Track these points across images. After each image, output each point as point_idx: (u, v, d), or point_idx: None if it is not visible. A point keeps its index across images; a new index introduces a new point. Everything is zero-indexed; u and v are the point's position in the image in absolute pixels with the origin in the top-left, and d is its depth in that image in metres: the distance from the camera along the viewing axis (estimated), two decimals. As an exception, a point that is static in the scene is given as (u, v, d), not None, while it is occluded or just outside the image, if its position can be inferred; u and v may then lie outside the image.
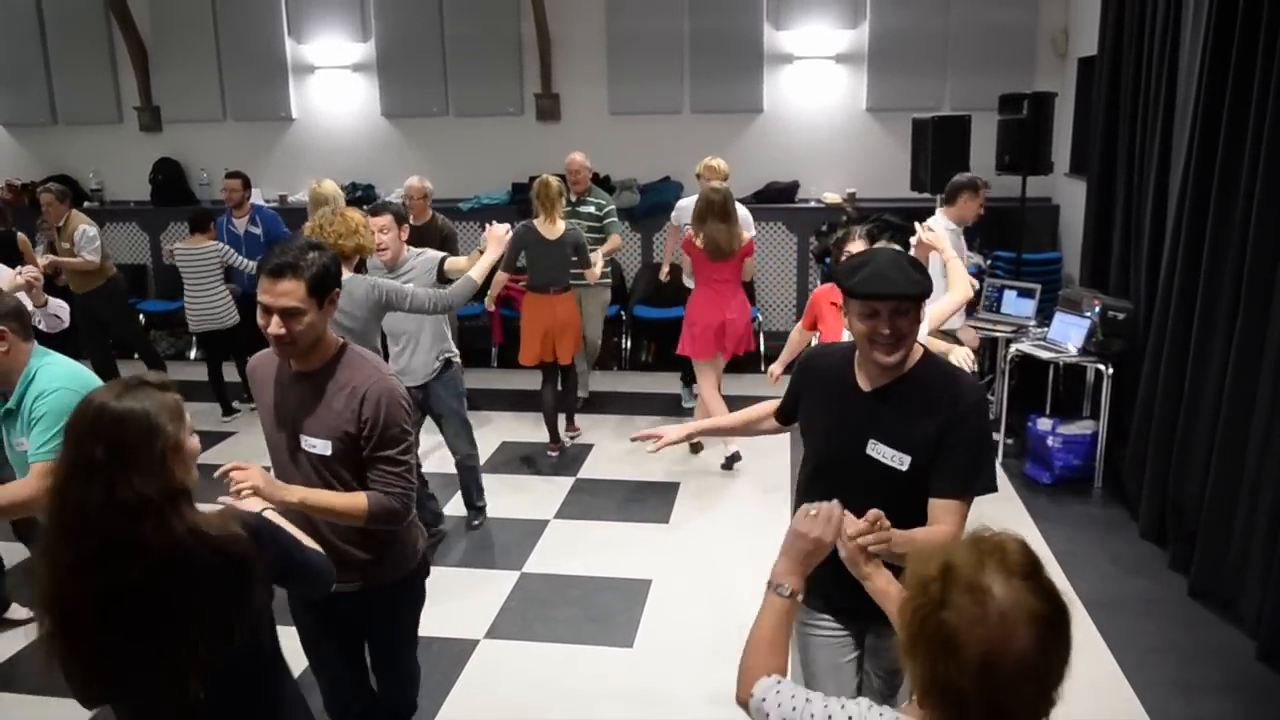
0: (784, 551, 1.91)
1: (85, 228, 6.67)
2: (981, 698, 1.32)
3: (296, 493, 2.41)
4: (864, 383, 2.38)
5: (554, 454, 6.20)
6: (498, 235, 4.48)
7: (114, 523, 1.74)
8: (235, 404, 7.08)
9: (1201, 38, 4.52)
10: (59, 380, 2.82)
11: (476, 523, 5.25)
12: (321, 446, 2.51)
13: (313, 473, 2.55)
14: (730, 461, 5.87)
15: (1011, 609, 1.31)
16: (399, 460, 2.55)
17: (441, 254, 4.75)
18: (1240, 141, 4.16)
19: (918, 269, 2.29)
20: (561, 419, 6.36)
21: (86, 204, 9.13)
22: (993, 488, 2.33)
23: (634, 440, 2.89)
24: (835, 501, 1.94)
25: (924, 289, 2.26)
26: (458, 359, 4.91)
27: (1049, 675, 1.34)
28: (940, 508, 2.28)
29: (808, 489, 2.46)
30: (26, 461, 2.80)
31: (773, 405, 2.79)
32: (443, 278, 4.64)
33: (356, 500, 2.51)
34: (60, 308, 4.59)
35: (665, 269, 6.99)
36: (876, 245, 3.22)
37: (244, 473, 2.28)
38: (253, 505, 2.18)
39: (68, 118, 9.19)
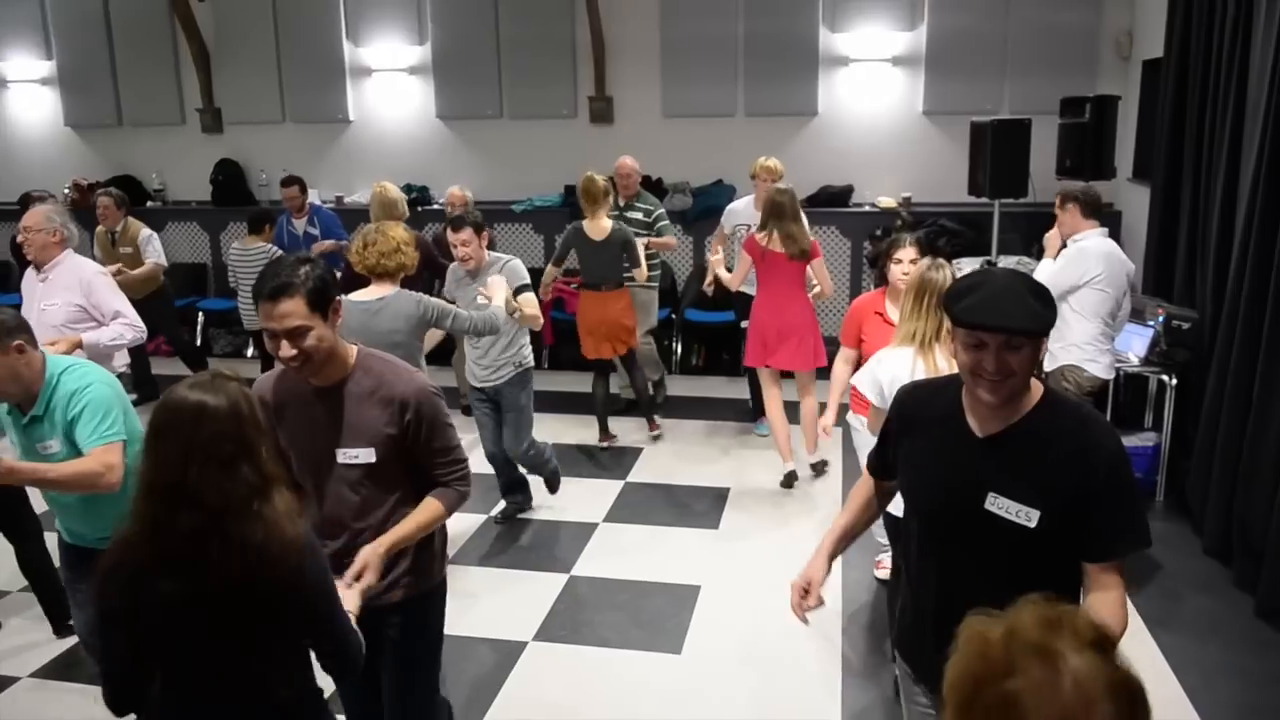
0: None
1: (148, 232, 6.76)
2: None
3: (385, 543, 2.46)
4: (977, 426, 2.07)
5: (603, 445, 6.31)
6: (498, 285, 4.49)
7: (246, 506, 1.86)
8: None
9: (1275, 37, 4.39)
10: (89, 377, 3.03)
11: (512, 514, 5.35)
12: (365, 455, 2.50)
13: (350, 486, 2.54)
14: (790, 479, 5.69)
15: (1088, 679, 1.15)
16: (451, 447, 2.61)
17: (524, 280, 4.85)
18: (1315, 147, 4.03)
19: (1041, 298, 1.97)
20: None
21: (149, 204, 9.35)
22: (1149, 539, 2.05)
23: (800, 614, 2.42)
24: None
25: (1043, 323, 1.96)
26: (531, 364, 5.09)
27: None
28: (1099, 572, 2.02)
29: (919, 553, 2.21)
30: (48, 460, 2.99)
31: (867, 481, 2.45)
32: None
33: (433, 510, 2.58)
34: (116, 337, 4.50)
35: (710, 278, 6.33)
36: (994, 265, 3.00)
37: (364, 572, 2.38)
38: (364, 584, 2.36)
39: (132, 119, 9.40)
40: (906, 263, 3.98)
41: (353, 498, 2.54)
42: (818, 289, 5.69)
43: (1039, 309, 1.96)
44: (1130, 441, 5.49)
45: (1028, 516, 1.99)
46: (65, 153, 9.61)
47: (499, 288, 4.41)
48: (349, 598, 2.27)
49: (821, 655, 4.00)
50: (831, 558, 2.40)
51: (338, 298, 2.46)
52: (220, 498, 1.83)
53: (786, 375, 5.78)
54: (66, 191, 9.05)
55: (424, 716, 2.81)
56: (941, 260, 3.52)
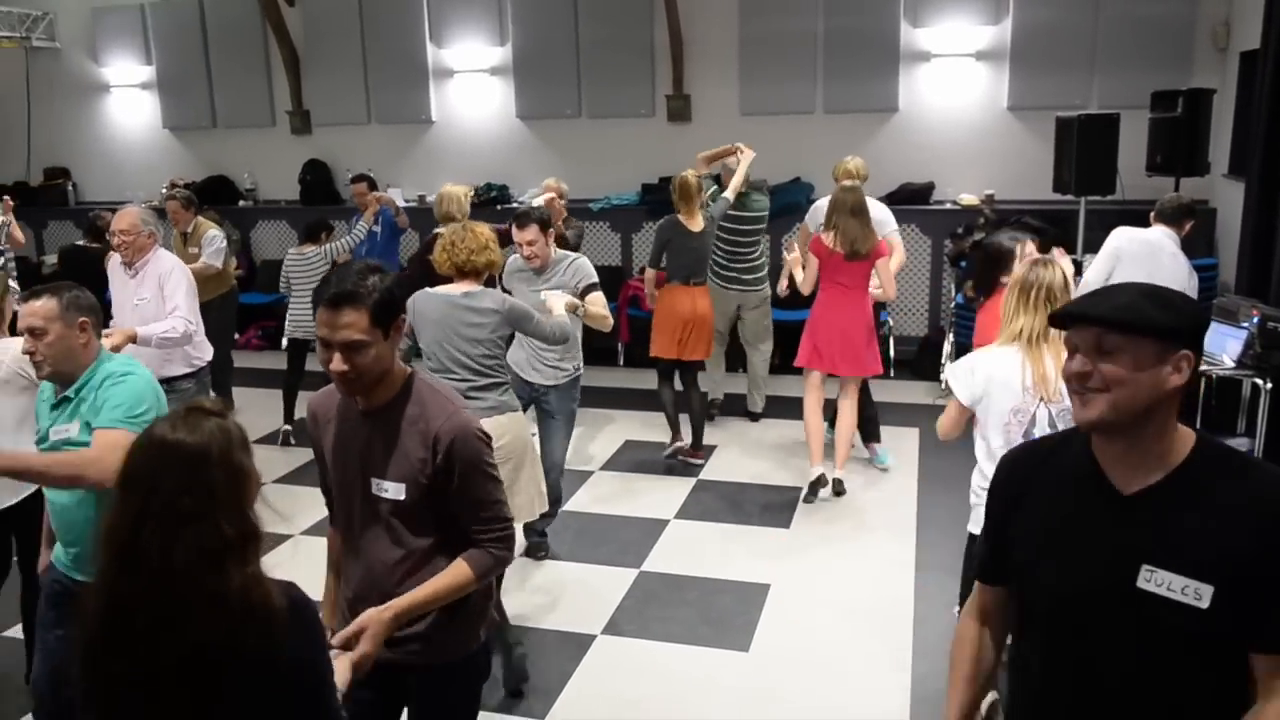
0: None
1: (214, 233, 6.65)
2: None
3: (396, 607, 2.17)
4: (1122, 482, 1.67)
5: (680, 451, 6.07)
6: (559, 299, 4.35)
7: (203, 574, 1.58)
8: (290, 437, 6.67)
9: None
10: (129, 366, 2.95)
11: (542, 554, 4.91)
12: (394, 490, 2.24)
13: (382, 521, 2.28)
14: (816, 487, 5.45)
15: None
16: (489, 502, 2.28)
17: (592, 279, 4.75)
18: None
19: (1158, 299, 1.63)
20: (685, 431, 6.13)
21: (241, 203, 9.68)
22: None
23: None
24: None
25: (1133, 315, 1.60)
26: (582, 371, 4.92)
27: None
28: (1269, 666, 1.58)
29: (1045, 649, 1.77)
30: (53, 447, 2.85)
31: (973, 615, 1.95)
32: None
33: (459, 575, 2.25)
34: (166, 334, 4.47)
35: (784, 282, 6.17)
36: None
37: (359, 637, 2.10)
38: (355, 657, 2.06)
39: (226, 121, 9.74)
40: (1036, 251, 3.72)
41: (383, 534, 2.29)
42: (880, 290, 5.59)
43: (1146, 305, 1.61)
44: (1222, 447, 5.30)
45: (1197, 593, 1.57)
46: (164, 154, 10.01)
47: (557, 301, 4.29)
48: (338, 669, 1.97)
49: (893, 660, 3.96)
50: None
51: (402, 316, 2.24)
52: (164, 561, 1.56)
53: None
54: (164, 192, 9.39)
55: None
56: (1052, 256, 3.39)
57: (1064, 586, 1.71)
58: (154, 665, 1.57)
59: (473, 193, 7.85)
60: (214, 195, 9.47)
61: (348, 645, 2.08)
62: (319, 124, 9.48)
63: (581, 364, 4.91)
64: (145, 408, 2.82)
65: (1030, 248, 3.72)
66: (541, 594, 4.56)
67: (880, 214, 5.88)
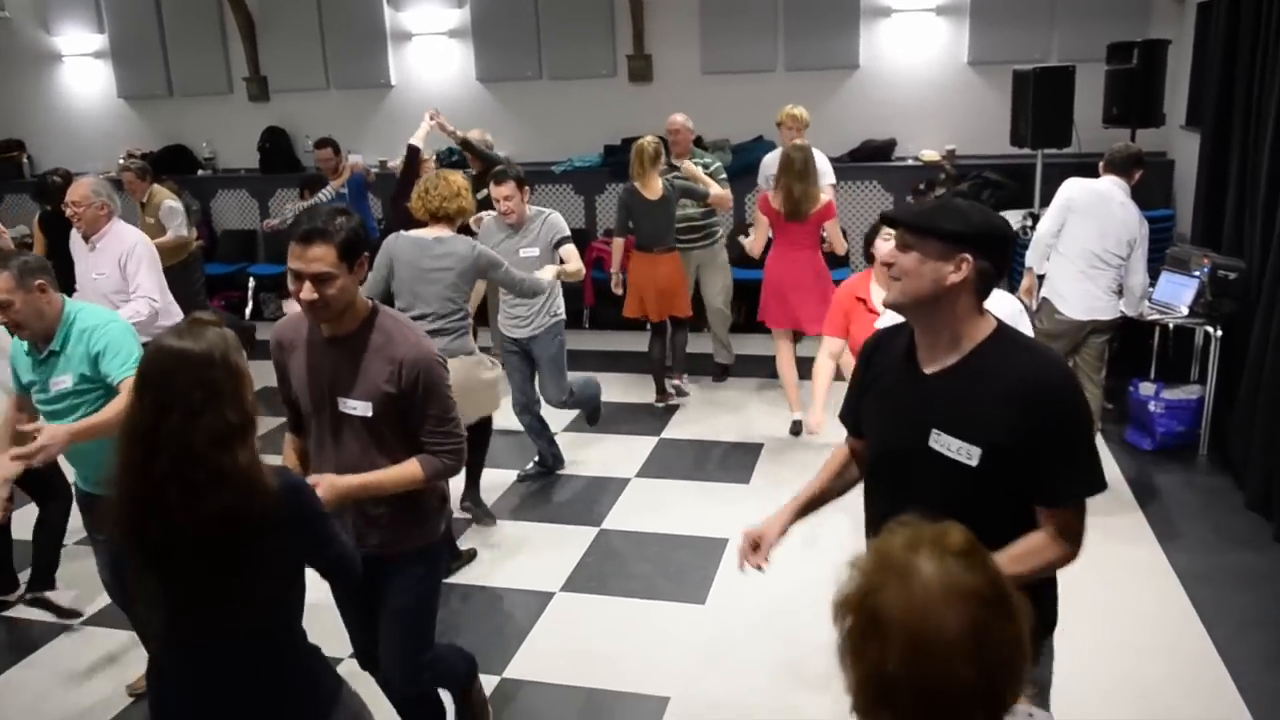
0: None
1: (170, 203, 6.58)
2: (913, 684, 1.22)
3: (350, 480, 2.49)
4: (927, 363, 2.05)
5: (660, 404, 6.38)
6: (556, 269, 4.73)
7: (216, 454, 1.89)
8: None
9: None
10: (103, 316, 3.31)
11: (534, 474, 5.42)
12: (362, 408, 2.56)
13: (353, 433, 2.60)
14: (797, 428, 5.71)
15: (941, 586, 1.23)
16: (446, 417, 2.61)
17: (565, 233, 4.96)
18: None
19: (957, 212, 1.97)
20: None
21: (200, 172, 9.55)
22: (1102, 485, 1.99)
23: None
24: None
25: (917, 219, 1.98)
26: (563, 316, 5.18)
27: (990, 663, 1.23)
28: (1045, 516, 1.99)
29: (872, 490, 2.23)
30: (58, 398, 3.21)
31: (843, 446, 2.40)
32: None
33: (409, 469, 2.59)
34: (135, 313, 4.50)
35: (754, 240, 6.07)
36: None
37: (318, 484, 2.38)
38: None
39: (182, 89, 9.57)
40: (891, 240, 3.71)
41: (354, 449, 2.60)
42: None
43: (936, 211, 1.99)
44: (1174, 394, 5.38)
45: (969, 454, 1.95)
46: (119, 123, 9.84)
47: (550, 272, 4.57)
48: None
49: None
50: (791, 520, 2.40)
51: (365, 253, 2.52)
52: (182, 444, 1.88)
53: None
54: (121, 161, 9.25)
55: (407, 672, 2.85)
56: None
57: (883, 441, 2.17)
58: (187, 527, 1.89)
59: (434, 157, 7.84)
60: (172, 165, 9.33)
61: None
62: (277, 91, 9.34)
63: (560, 310, 5.14)
64: (136, 350, 3.18)
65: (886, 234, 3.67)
66: (500, 554, 4.59)
67: (821, 165, 5.93)
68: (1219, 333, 5.18)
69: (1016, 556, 1.91)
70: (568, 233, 4.99)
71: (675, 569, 4.40)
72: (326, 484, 2.41)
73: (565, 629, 3.99)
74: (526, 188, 4.92)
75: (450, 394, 2.64)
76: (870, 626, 1.26)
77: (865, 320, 3.63)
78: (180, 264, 6.64)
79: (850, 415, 2.33)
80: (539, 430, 5.35)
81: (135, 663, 3.70)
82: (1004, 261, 2.03)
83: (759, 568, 2.36)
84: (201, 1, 9.23)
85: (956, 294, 1.96)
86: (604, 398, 6.46)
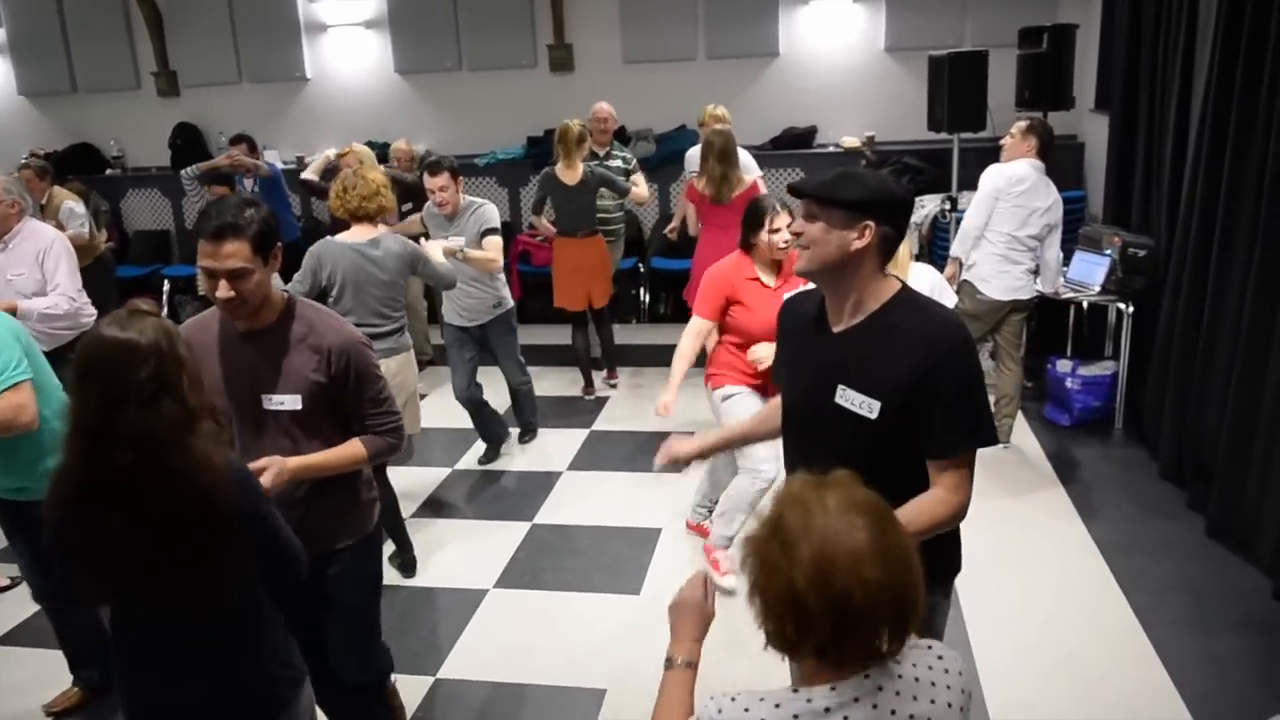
0: (671, 631, 1.85)
1: (70, 204, 6.42)
2: (823, 595, 1.32)
3: (296, 462, 2.44)
4: (835, 324, 2.17)
5: (588, 396, 6.38)
6: (439, 244, 4.75)
7: (181, 441, 1.89)
8: None
9: (1221, -41, 4.35)
10: None
11: (528, 437, 5.68)
12: (290, 402, 2.49)
13: (280, 431, 2.53)
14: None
15: (836, 503, 1.38)
16: (380, 398, 2.61)
17: (491, 224, 4.99)
18: (1259, 69, 4.00)
19: (854, 179, 2.07)
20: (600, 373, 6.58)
21: (109, 171, 9.24)
22: (992, 439, 2.10)
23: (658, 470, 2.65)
24: (699, 572, 1.90)
25: (815, 187, 2.07)
26: (511, 304, 5.26)
27: (891, 566, 1.35)
28: (936, 469, 2.09)
29: (788, 444, 2.34)
30: None
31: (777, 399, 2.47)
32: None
33: (354, 449, 2.57)
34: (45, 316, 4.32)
35: (675, 223, 6.61)
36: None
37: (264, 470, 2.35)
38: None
39: (86, 85, 9.24)
40: (784, 230, 3.68)
41: (282, 445, 2.52)
42: None
43: (837, 181, 2.07)
44: (1089, 370, 5.53)
45: (870, 408, 2.06)
46: (21, 121, 9.45)
47: (435, 249, 4.56)
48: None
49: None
50: (714, 445, 2.62)
51: (279, 244, 2.45)
52: (149, 435, 1.87)
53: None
54: (23, 161, 8.90)
55: (361, 661, 2.83)
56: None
57: (795, 398, 2.28)
58: (154, 516, 1.88)
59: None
60: (78, 164, 9.02)
61: None
62: (187, 85, 9.06)
63: (507, 298, 5.23)
64: (15, 356, 2.94)
65: (783, 219, 3.69)
66: (431, 552, 4.53)
67: (744, 160, 5.93)
68: (1130, 309, 5.34)
69: (909, 517, 1.96)
70: (497, 224, 5.00)
71: (609, 561, 4.39)
72: (276, 465, 2.36)
73: (499, 625, 3.96)
74: (460, 178, 4.96)
75: (380, 372, 2.62)
76: (779, 552, 1.37)
77: (764, 297, 3.76)
78: (88, 268, 6.42)
79: (778, 370, 2.45)
80: (484, 410, 5.36)
81: (56, 683, 3.57)
82: (904, 225, 2.15)
83: (675, 469, 2.62)
84: (104, -7, 8.92)
85: (861, 258, 2.07)
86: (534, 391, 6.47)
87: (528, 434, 5.71)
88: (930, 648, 1.52)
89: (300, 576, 2.20)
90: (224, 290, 2.34)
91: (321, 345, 2.49)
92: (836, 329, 2.15)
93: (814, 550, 1.34)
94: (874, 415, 2.06)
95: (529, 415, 5.69)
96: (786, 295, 2.50)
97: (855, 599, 1.32)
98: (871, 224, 2.04)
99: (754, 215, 3.79)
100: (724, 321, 3.89)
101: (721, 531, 4.07)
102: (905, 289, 2.15)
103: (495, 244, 4.92)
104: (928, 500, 2.07)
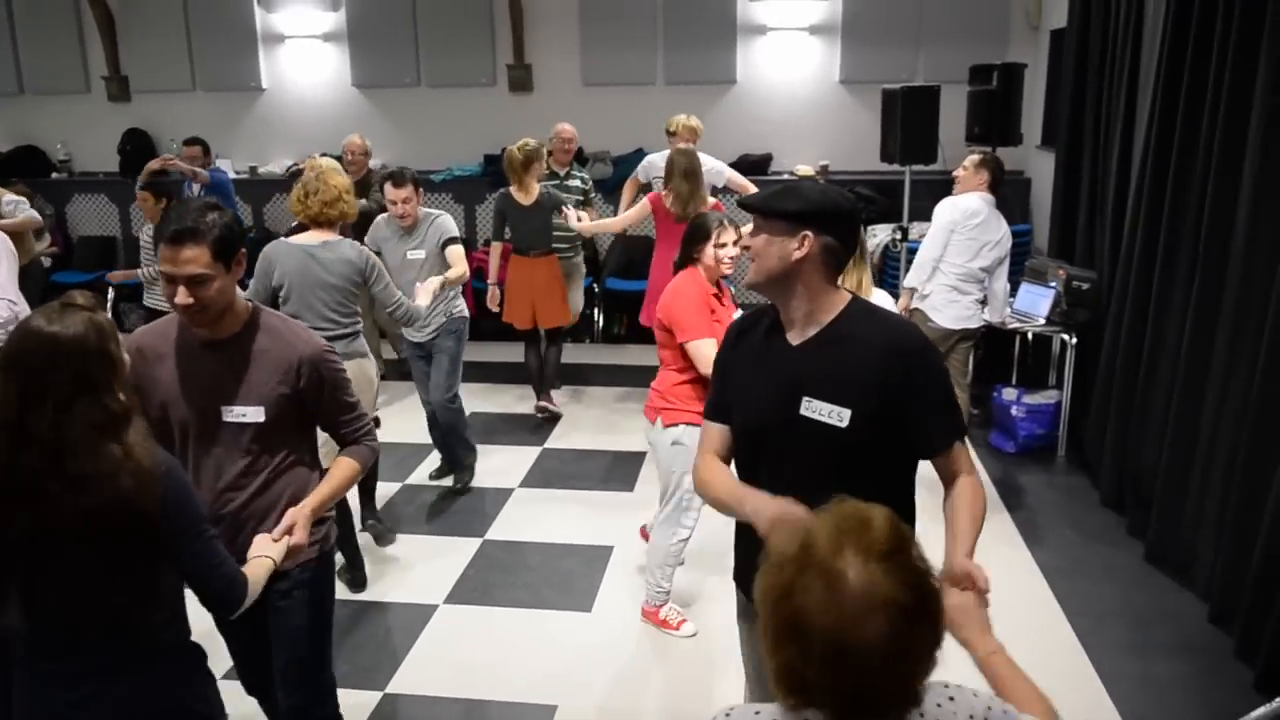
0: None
1: (10, 196, 6.23)
2: (824, 684, 1.26)
3: (310, 504, 2.42)
4: (792, 336, 2.17)
5: (541, 415, 6.31)
6: (427, 288, 4.46)
7: (97, 444, 1.81)
8: None
9: (1164, 7, 4.52)
10: None
11: (462, 479, 5.25)
12: (253, 414, 2.41)
13: (236, 444, 2.44)
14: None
15: (864, 596, 1.23)
16: (354, 404, 2.59)
17: (453, 234, 4.90)
18: (1198, 110, 4.17)
19: (796, 192, 2.11)
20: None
21: (54, 175, 9.05)
22: (965, 430, 2.22)
23: None
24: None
25: (771, 205, 2.09)
26: (465, 315, 5.10)
27: (905, 668, 1.27)
28: (945, 462, 2.15)
29: (746, 466, 2.25)
30: None
31: (711, 442, 2.31)
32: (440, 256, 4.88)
33: (348, 467, 2.56)
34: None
35: (619, 218, 6.23)
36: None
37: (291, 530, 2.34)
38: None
39: (35, 88, 9.06)
40: (730, 245, 3.66)
41: (239, 458, 2.44)
42: None
43: (780, 194, 2.12)
44: (1034, 399, 5.66)
45: (839, 416, 2.06)
46: (-36, 122, 9.25)
47: (424, 296, 4.39)
48: (273, 548, 2.30)
49: (727, 611, 4.05)
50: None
51: (242, 250, 2.36)
52: (55, 436, 1.79)
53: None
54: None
55: (310, 696, 2.67)
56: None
57: (756, 415, 2.20)
58: (63, 522, 1.80)
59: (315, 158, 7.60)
60: (23, 166, 8.83)
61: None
62: (139, 91, 8.93)
63: (461, 308, 5.07)
64: None
65: (730, 235, 3.65)
66: (381, 568, 4.48)
67: (711, 163, 6.06)
68: (1074, 340, 5.48)
69: (976, 516, 2.09)
70: (456, 234, 4.93)
71: (561, 578, 4.38)
72: (300, 519, 2.35)
73: (449, 641, 3.92)
74: (421, 190, 4.90)
75: (348, 378, 2.59)
76: (791, 629, 1.27)
77: (727, 314, 3.67)
78: (23, 270, 6.26)
79: (715, 405, 2.32)
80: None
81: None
82: (850, 236, 2.16)
83: None
84: (55, -5, 8.77)
85: (802, 268, 2.09)
86: (486, 409, 6.45)
87: (461, 474, 5.27)
88: (951, 695, 1.42)
89: (235, 604, 2.08)
90: (183, 296, 2.26)
91: (290, 357, 2.42)
92: (795, 342, 2.16)
93: (829, 645, 1.24)
94: (844, 424, 2.06)
95: (461, 452, 5.26)
96: (735, 318, 2.50)
97: (864, 696, 1.27)
98: (810, 234, 2.07)
99: (700, 230, 3.70)
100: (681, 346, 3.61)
101: (657, 588, 3.95)
102: (856, 299, 2.19)
103: (459, 254, 4.84)
104: (965, 495, 2.12)
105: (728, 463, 2.33)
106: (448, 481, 5.35)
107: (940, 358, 2.19)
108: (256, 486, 2.48)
